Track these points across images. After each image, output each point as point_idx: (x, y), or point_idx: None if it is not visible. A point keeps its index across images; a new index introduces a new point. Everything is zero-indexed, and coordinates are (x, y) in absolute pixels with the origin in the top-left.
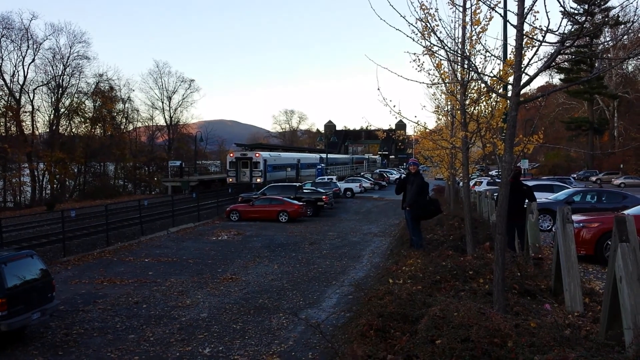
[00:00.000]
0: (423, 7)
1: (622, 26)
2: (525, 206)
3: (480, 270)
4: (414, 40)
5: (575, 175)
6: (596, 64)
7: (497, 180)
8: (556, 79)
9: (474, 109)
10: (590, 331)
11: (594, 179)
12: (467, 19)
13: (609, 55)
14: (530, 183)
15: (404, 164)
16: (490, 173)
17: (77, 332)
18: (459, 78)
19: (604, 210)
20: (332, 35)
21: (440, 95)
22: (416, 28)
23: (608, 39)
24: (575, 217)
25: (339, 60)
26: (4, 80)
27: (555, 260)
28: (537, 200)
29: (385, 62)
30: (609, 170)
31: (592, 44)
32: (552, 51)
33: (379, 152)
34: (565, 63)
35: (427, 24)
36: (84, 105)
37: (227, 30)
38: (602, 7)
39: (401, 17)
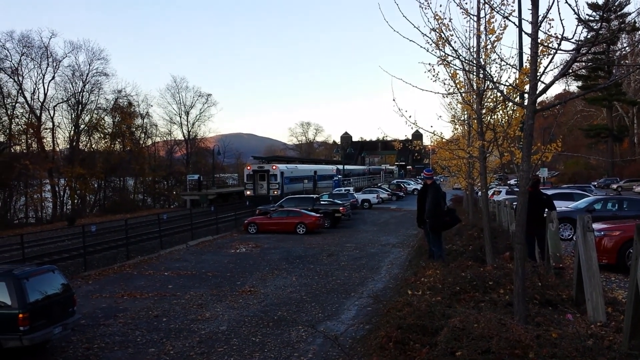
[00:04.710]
0: (437, 17)
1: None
2: (545, 215)
3: (500, 281)
4: (428, 50)
5: (595, 183)
6: (614, 71)
7: (516, 189)
8: (573, 86)
9: (491, 118)
10: (613, 341)
11: (614, 186)
12: (482, 28)
13: (627, 61)
14: (550, 192)
15: (421, 174)
16: (508, 182)
17: (98, 346)
18: (475, 87)
19: (626, 218)
20: (347, 48)
21: (456, 105)
22: (430, 39)
23: (625, 45)
24: (596, 226)
25: (354, 72)
26: (24, 97)
27: (576, 270)
28: (557, 209)
29: (399, 73)
30: (630, 177)
31: (609, 50)
32: (568, 59)
33: (396, 163)
34: (582, 70)
35: (441, 34)
36: (103, 121)
37: (243, 44)
38: (618, 13)
39: (415, 28)
